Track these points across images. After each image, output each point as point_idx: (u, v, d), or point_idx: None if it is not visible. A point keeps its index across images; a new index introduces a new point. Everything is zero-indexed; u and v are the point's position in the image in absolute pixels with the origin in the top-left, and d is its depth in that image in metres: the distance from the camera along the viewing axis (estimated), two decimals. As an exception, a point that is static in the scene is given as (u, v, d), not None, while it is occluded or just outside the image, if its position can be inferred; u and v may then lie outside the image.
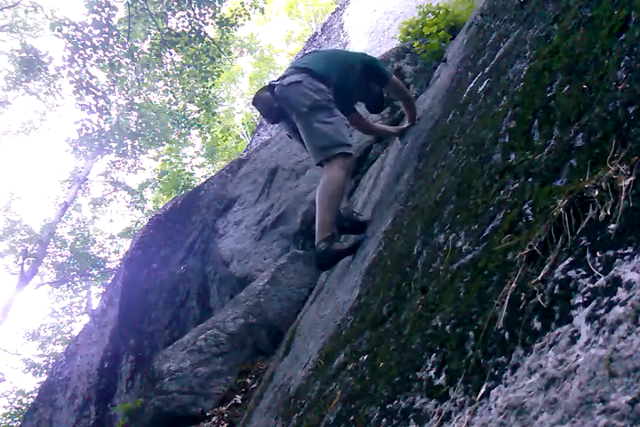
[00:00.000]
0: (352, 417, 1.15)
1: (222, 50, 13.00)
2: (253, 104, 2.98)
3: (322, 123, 2.63)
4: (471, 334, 0.89)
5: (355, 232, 2.78)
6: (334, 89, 2.79)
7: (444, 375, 0.90)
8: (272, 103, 2.81)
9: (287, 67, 3.10)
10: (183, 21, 11.60)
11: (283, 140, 6.20)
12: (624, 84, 0.89)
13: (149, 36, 13.46)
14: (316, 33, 15.01)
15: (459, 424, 0.78)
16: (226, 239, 5.67)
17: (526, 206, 0.98)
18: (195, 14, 11.44)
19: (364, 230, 2.66)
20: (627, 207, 0.71)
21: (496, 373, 0.77)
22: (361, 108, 3.40)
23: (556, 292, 0.75)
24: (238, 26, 12.47)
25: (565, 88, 1.12)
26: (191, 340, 3.77)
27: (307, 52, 3.95)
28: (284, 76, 2.88)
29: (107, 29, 11.11)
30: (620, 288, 0.64)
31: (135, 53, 12.82)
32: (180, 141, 19.03)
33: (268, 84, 2.92)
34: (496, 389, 0.75)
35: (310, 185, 5.10)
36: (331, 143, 2.61)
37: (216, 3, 11.50)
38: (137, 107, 15.35)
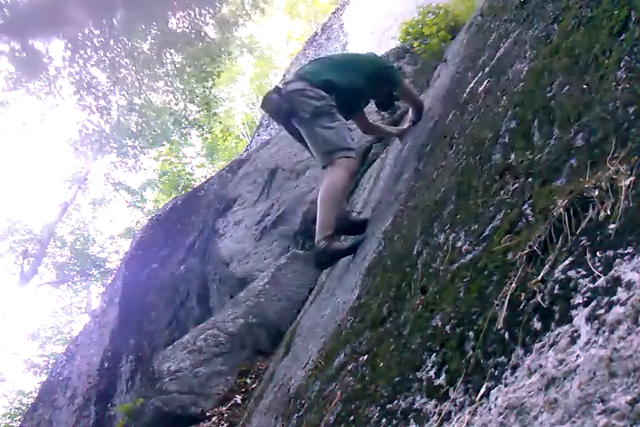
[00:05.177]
0: (352, 417, 1.15)
1: (222, 50, 12.99)
2: (262, 107, 3.02)
3: (324, 128, 2.69)
4: (471, 334, 0.89)
5: (354, 233, 2.80)
6: (338, 95, 2.82)
7: (443, 375, 0.90)
8: (281, 104, 2.85)
9: (293, 71, 3.14)
10: (183, 21, 11.59)
11: (283, 140, 6.20)
12: (624, 84, 0.89)
13: (149, 37, 13.44)
14: (316, 33, 15.01)
15: (459, 424, 0.78)
16: (226, 239, 5.67)
17: (526, 206, 0.97)
18: (195, 14, 11.43)
19: (364, 230, 2.67)
20: (627, 207, 0.71)
21: (496, 373, 0.77)
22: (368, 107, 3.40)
23: (556, 292, 0.75)
24: (238, 26, 12.47)
25: (565, 88, 1.12)
26: (191, 340, 3.77)
27: (314, 58, 3.97)
28: (288, 82, 2.93)
29: (107, 29, 11.09)
30: (619, 288, 0.64)
31: (135, 53, 12.80)
32: (180, 141, 19.01)
33: (275, 86, 2.97)
34: (496, 389, 0.75)
35: (310, 185, 5.10)
36: (333, 148, 2.66)
37: (216, 3, 11.49)
38: (137, 107, 15.33)
